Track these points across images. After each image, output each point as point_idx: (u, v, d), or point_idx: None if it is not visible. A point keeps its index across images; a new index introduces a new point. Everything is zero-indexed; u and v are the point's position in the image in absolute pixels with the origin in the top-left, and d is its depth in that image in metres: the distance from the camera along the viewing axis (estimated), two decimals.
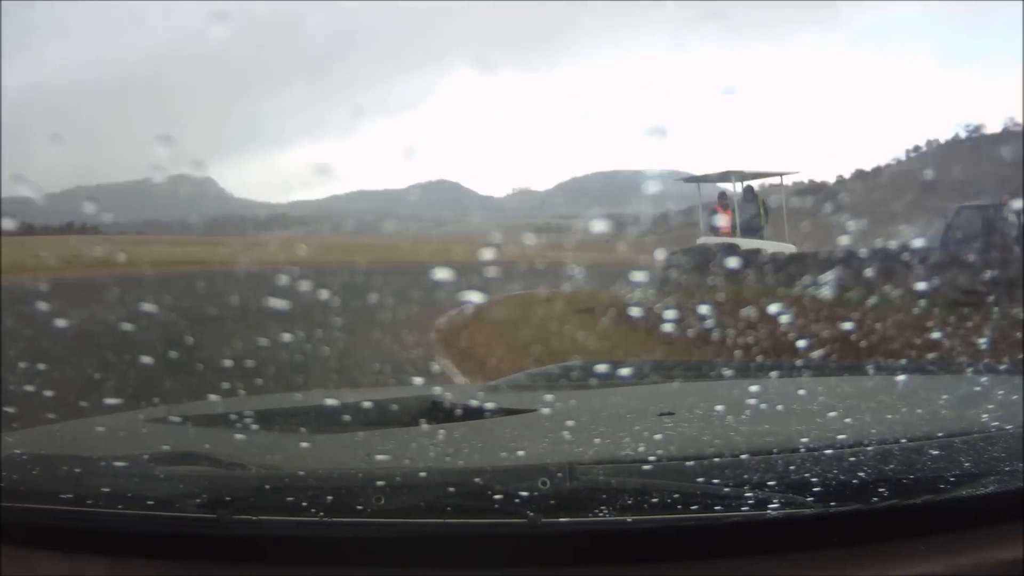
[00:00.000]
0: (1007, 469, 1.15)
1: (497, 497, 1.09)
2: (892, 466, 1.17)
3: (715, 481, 1.11)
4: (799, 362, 2.57)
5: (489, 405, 1.75)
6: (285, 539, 1.12)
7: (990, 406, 1.67)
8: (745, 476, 1.13)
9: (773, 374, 2.24)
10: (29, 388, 5.02)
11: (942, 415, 1.68)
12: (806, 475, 1.12)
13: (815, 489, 1.09)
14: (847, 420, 1.56)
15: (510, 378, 2.73)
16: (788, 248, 16.45)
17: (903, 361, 3.03)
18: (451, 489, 1.11)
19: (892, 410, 1.70)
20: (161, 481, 1.18)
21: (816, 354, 4.39)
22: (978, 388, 1.94)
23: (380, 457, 1.42)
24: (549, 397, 1.91)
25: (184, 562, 1.12)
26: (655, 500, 1.09)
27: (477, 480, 1.14)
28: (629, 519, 1.07)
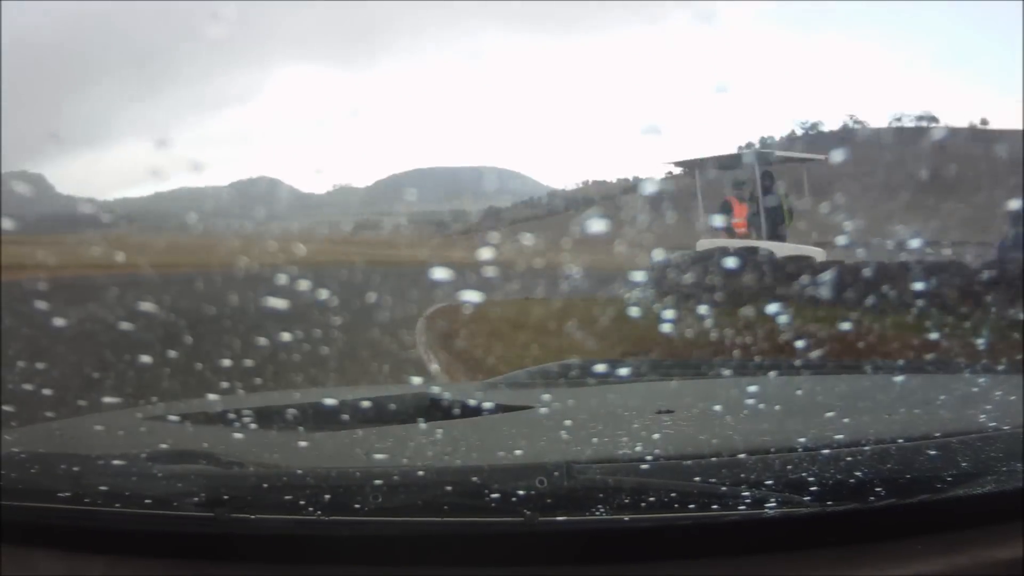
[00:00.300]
0: (1004, 469, 1.15)
1: (494, 496, 1.09)
2: (889, 466, 1.17)
3: (712, 480, 1.11)
4: (797, 362, 2.57)
5: (487, 403, 1.75)
6: (283, 538, 1.12)
7: (987, 406, 1.67)
8: (743, 475, 1.13)
9: (771, 374, 2.24)
10: None
11: (939, 415, 1.68)
12: (804, 474, 1.12)
13: (813, 488, 1.09)
14: (845, 420, 1.56)
15: (508, 376, 2.73)
16: (816, 252, 12.49)
17: (900, 361, 3.03)
18: (449, 488, 1.12)
19: (889, 410, 1.70)
20: (159, 480, 1.18)
21: None
22: (975, 388, 1.95)
23: (378, 456, 1.42)
24: (547, 396, 1.91)
25: (182, 561, 1.12)
26: (652, 499, 1.09)
27: (475, 479, 1.14)
28: (626, 518, 1.07)
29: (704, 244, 13.63)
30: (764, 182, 14.00)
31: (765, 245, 12.48)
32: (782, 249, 12.18)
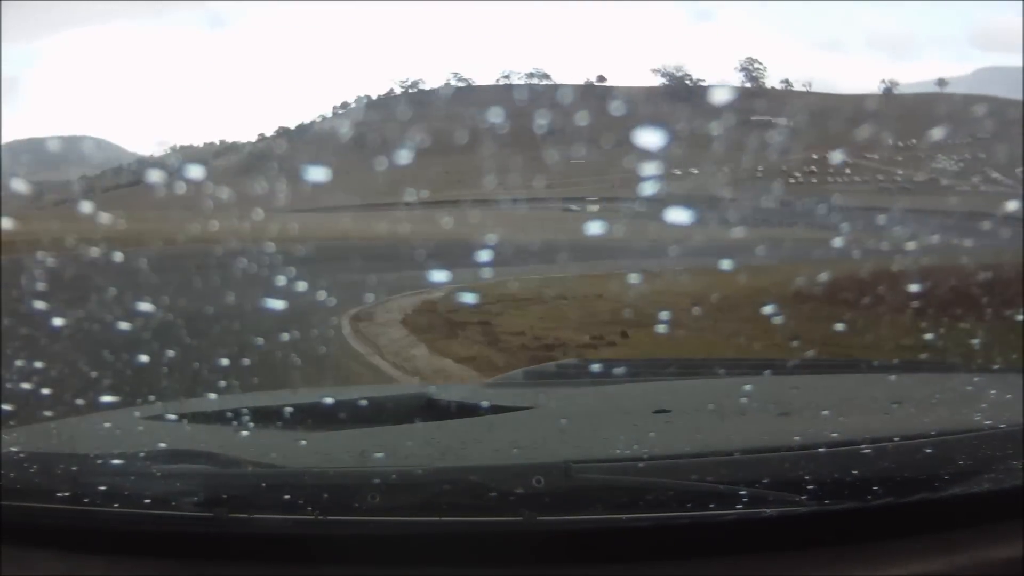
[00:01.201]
0: (1002, 467, 1.15)
1: (492, 495, 1.09)
2: (887, 464, 1.17)
3: (710, 479, 1.12)
4: (793, 360, 2.57)
5: (484, 403, 1.75)
6: (281, 537, 1.12)
7: (984, 404, 1.67)
8: (740, 474, 1.13)
9: (767, 372, 2.24)
10: None
11: (937, 413, 1.68)
12: (801, 473, 1.13)
13: (810, 487, 1.09)
14: (841, 418, 1.56)
15: (506, 376, 2.73)
16: None
17: (896, 360, 3.04)
18: (447, 487, 1.12)
19: (886, 408, 1.70)
20: (158, 479, 1.18)
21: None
22: (971, 387, 1.95)
23: (376, 455, 1.42)
24: (544, 395, 1.92)
25: (181, 560, 1.12)
26: (650, 498, 1.09)
27: (472, 478, 1.15)
28: (624, 517, 1.08)
29: None
30: None
31: None
32: None
